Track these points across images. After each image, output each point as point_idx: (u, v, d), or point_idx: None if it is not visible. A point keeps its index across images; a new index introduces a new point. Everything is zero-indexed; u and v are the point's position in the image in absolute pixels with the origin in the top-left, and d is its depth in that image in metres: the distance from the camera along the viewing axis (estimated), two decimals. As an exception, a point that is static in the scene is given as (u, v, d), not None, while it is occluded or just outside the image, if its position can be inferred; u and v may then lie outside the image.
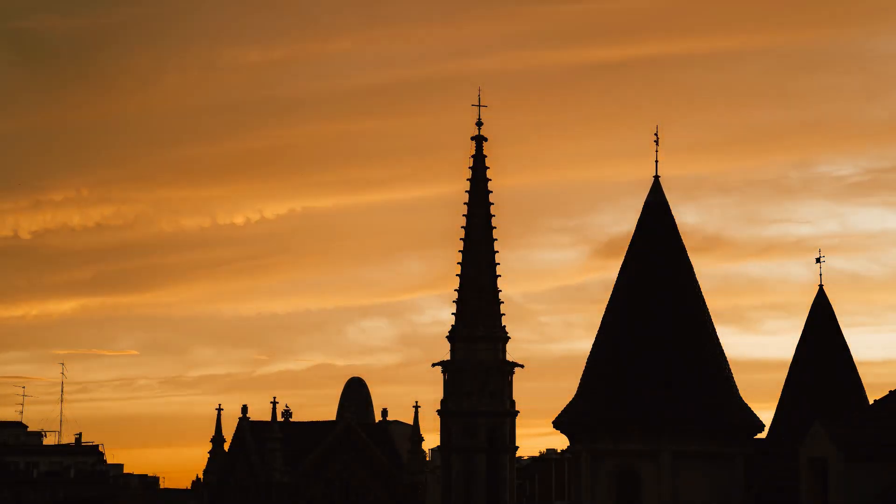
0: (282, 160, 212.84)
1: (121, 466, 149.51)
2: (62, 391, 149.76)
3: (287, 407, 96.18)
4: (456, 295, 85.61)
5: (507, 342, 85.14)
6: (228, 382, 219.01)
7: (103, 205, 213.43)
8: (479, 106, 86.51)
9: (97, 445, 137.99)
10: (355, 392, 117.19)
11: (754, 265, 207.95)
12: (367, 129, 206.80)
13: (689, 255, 45.59)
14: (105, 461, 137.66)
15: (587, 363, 45.29)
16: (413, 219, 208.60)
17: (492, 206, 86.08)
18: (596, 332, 45.78)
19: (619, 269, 46.12)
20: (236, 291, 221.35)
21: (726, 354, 45.41)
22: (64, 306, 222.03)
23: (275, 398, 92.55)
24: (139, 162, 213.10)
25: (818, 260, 54.03)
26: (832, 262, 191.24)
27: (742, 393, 45.45)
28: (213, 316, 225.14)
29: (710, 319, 45.08)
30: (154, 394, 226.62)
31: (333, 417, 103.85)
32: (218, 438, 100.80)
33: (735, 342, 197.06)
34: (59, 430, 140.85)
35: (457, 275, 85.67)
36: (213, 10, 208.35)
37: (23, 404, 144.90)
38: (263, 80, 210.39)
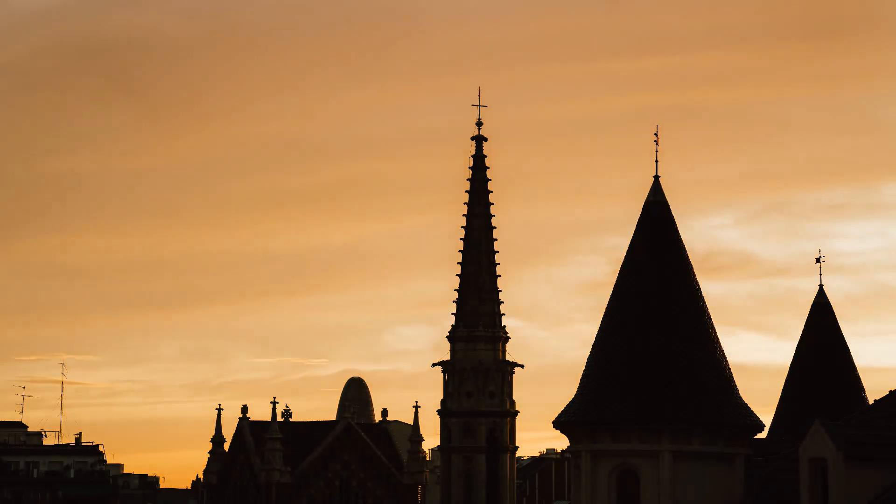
0: (321, 194, 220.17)
1: (121, 466, 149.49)
2: (62, 392, 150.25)
3: (287, 407, 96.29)
4: (456, 295, 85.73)
5: (507, 342, 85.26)
6: (255, 387, 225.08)
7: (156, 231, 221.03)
8: (479, 106, 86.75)
9: (97, 445, 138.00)
10: (355, 392, 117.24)
11: (795, 279, 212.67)
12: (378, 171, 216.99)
13: (694, 273, 45.48)
14: (105, 461, 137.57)
15: (587, 363, 45.30)
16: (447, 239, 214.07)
17: (492, 206, 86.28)
18: (596, 332, 45.80)
19: (618, 269, 46.14)
20: (274, 306, 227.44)
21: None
22: (106, 320, 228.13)
23: (275, 398, 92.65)
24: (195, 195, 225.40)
25: (818, 260, 54.03)
26: (879, 275, 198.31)
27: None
28: (247, 326, 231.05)
29: (711, 319, 45.07)
30: (176, 399, 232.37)
31: (333, 417, 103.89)
32: (218, 439, 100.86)
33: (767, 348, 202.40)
34: (59, 430, 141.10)
35: (457, 275, 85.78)
36: (267, 59, 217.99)
37: (23, 404, 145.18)
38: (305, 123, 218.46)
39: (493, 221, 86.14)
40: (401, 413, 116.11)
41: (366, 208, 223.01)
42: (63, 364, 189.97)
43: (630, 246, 46.07)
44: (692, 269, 45.58)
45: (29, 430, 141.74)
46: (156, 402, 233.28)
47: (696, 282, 45.44)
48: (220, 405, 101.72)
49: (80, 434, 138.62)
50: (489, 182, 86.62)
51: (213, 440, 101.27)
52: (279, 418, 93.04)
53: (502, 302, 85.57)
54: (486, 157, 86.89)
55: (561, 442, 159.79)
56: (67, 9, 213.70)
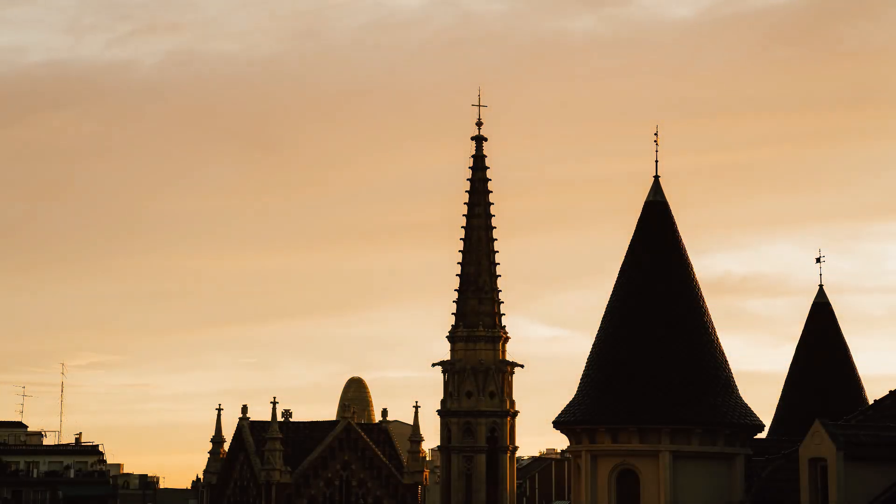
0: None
1: (121, 466, 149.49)
2: (62, 393, 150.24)
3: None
4: (456, 295, 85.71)
5: (506, 342, 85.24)
6: (293, 392, 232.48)
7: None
8: (479, 106, 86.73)
9: (97, 445, 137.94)
10: (355, 392, 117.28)
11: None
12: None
13: (691, 262, 45.53)
14: (105, 461, 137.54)
15: (587, 363, 45.30)
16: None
17: (491, 206, 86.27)
18: (596, 332, 45.80)
19: (618, 269, 46.13)
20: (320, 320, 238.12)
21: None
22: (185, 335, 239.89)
23: (275, 398, 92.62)
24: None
25: (818, 260, 54.03)
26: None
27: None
28: (301, 336, 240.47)
29: (711, 320, 45.07)
30: (209, 404, 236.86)
31: (333, 417, 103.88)
32: (218, 439, 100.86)
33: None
34: (59, 430, 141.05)
35: (457, 275, 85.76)
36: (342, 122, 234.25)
37: (23, 404, 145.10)
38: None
39: (493, 221, 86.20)
40: (401, 413, 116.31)
41: (378, 230, 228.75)
42: (63, 365, 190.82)
43: (630, 246, 46.08)
44: (692, 269, 45.59)
45: (29, 430, 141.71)
46: (187, 409, 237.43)
47: (696, 282, 45.45)
48: (220, 405, 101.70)
49: (80, 434, 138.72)
50: (489, 182, 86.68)
51: (213, 440, 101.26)
52: (279, 418, 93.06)
53: (502, 302, 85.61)
54: (486, 157, 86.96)
55: (561, 442, 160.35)
56: (216, 82, 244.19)
